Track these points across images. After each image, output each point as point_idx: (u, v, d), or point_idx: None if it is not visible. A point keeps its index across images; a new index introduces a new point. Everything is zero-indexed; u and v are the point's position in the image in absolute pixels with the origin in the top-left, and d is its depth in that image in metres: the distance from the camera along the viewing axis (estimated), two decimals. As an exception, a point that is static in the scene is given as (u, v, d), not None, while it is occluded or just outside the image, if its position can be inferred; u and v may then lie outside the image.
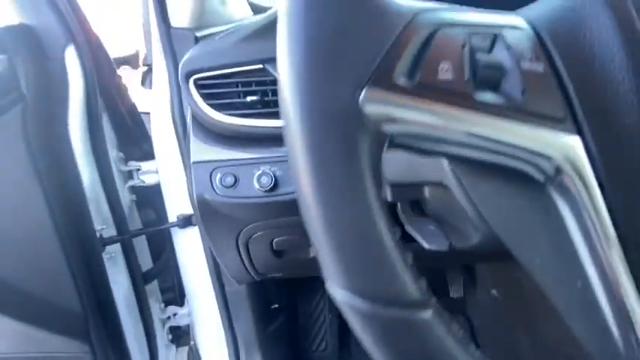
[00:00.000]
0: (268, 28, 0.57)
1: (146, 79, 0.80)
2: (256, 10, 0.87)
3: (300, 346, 1.00)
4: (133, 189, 0.85)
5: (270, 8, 0.86)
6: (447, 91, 0.20)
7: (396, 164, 0.43)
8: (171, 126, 0.70)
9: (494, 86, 0.22)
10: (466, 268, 1.00)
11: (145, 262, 0.88)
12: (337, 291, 0.20)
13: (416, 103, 0.20)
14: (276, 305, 0.89)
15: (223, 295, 0.79)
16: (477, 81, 0.21)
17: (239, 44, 0.59)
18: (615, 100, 0.22)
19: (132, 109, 0.82)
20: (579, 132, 0.22)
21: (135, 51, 1.20)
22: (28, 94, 0.60)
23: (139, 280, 0.80)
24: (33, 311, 0.64)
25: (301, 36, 0.20)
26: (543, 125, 0.22)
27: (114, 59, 0.95)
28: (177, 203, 0.78)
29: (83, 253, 0.69)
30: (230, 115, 0.57)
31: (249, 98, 0.56)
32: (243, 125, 0.57)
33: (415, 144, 0.22)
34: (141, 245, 0.87)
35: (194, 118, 0.60)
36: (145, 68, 0.81)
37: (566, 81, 0.22)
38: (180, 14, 0.68)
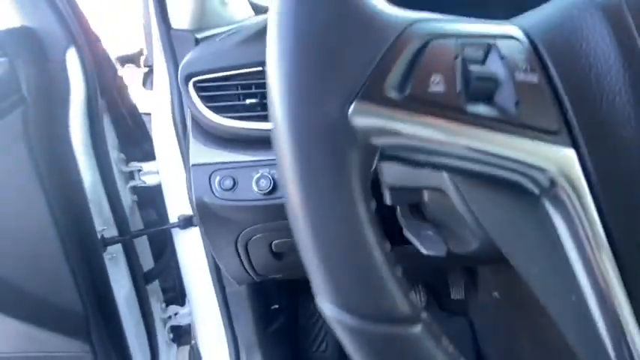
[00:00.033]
0: (268, 30, 0.56)
1: (147, 80, 0.80)
2: (258, 10, 0.86)
3: (301, 346, 1.00)
4: (135, 189, 0.85)
5: (271, 8, 0.85)
6: (438, 103, 0.20)
7: (395, 169, 0.42)
8: (172, 127, 0.70)
9: (488, 98, 0.21)
10: (467, 269, 1.00)
11: (147, 261, 0.88)
12: (326, 306, 0.20)
13: (406, 116, 0.20)
14: (277, 306, 0.90)
15: (224, 296, 0.79)
16: (470, 93, 0.21)
17: (239, 46, 0.58)
18: (612, 112, 0.21)
19: (133, 110, 0.83)
20: (574, 144, 0.22)
21: (139, 49, 1.20)
22: (29, 96, 0.60)
23: (140, 280, 0.81)
24: (34, 311, 0.64)
25: (290, 47, 0.20)
26: (537, 138, 0.21)
27: (118, 57, 0.95)
28: (178, 204, 0.78)
29: (84, 253, 0.69)
30: (229, 117, 0.57)
31: (248, 101, 0.56)
32: (243, 128, 0.56)
33: (407, 156, 0.22)
34: (142, 245, 0.88)
35: (193, 120, 0.60)
36: (146, 69, 0.81)
37: (561, 92, 0.22)
38: (181, 15, 0.68)
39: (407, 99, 0.20)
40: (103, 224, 0.75)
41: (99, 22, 0.77)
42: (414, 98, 0.20)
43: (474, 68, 0.21)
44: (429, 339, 0.20)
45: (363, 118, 0.19)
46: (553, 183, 0.22)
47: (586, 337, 0.24)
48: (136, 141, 0.82)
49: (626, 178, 0.22)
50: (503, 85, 0.21)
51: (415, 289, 1.02)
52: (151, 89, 0.75)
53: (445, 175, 0.36)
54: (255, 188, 0.55)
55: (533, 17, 0.25)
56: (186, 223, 0.78)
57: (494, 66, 0.22)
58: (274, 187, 0.55)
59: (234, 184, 0.55)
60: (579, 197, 0.22)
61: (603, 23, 0.22)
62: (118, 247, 0.78)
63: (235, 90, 0.57)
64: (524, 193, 0.24)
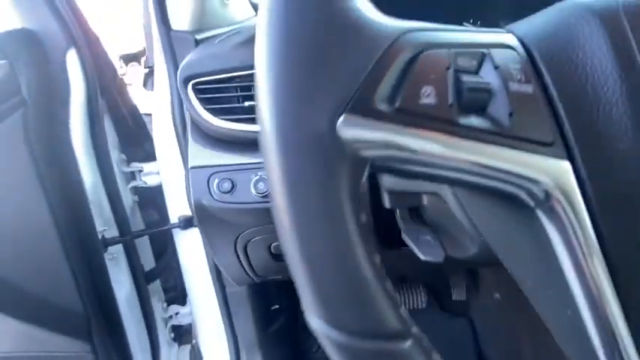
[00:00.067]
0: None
1: (148, 81, 0.80)
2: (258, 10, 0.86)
3: (301, 346, 1.00)
4: (136, 190, 0.85)
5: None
6: (429, 116, 0.20)
7: (393, 173, 0.42)
8: (172, 128, 0.70)
9: (481, 109, 0.21)
10: (469, 271, 0.99)
11: (148, 261, 0.89)
12: (314, 321, 0.19)
13: (396, 129, 0.19)
14: (277, 306, 0.90)
15: (224, 296, 0.80)
16: (462, 104, 0.20)
17: (238, 48, 0.58)
18: (608, 123, 0.21)
19: (134, 110, 0.83)
20: (569, 156, 0.21)
21: (142, 47, 1.19)
22: (30, 98, 0.60)
23: (141, 279, 0.81)
24: (35, 311, 0.65)
25: (278, 57, 0.19)
26: (531, 150, 0.21)
27: (122, 56, 0.95)
28: (178, 204, 0.78)
29: (85, 253, 0.70)
30: (228, 120, 0.56)
31: (247, 103, 0.56)
32: (242, 130, 0.56)
33: (399, 167, 0.22)
34: (144, 245, 0.88)
35: (192, 122, 0.60)
36: (147, 70, 0.81)
37: (556, 103, 0.21)
38: (181, 16, 0.68)
39: (397, 111, 0.19)
40: (104, 225, 0.75)
41: (99, 22, 0.77)
42: (404, 111, 0.19)
43: (467, 79, 0.21)
44: (420, 354, 0.20)
45: (351, 130, 0.19)
46: (548, 195, 0.22)
47: (580, 350, 0.23)
48: (137, 141, 0.82)
49: (622, 190, 0.21)
50: (496, 96, 0.21)
51: (416, 290, 1.01)
52: (152, 90, 0.75)
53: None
54: (253, 191, 0.55)
55: (530, 23, 0.24)
56: (186, 223, 0.78)
57: (488, 76, 0.21)
58: (273, 190, 0.54)
59: (233, 186, 0.55)
60: (574, 210, 0.21)
61: (600, 31, 0.21)
62: (119, 247, 0.79)
63: (234, 92, 0.56)
64: (519, 205, 0.23)
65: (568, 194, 0.21)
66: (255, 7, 0.85)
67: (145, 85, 0.81)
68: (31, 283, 0.64)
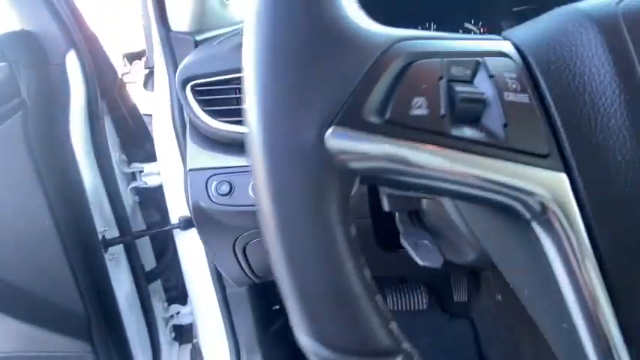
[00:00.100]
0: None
1: (148, 82, 0.80)
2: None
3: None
4: (136, 190, 0.85)
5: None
6: (420, 127, 0.19)
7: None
8: (172, 129, 0.70)
9: (474, 120, 0.20)
10: (470, 272, 0.99)
11: (149, 261, 0.89)
12: (302, 338, 0.19)
13: (385, 141, 0.19)
14: (277, 306, 0.90)
15: (224, 297, 0.80)
16: (455, 115, 0.20)
17: (237, 49, 0.58)
18: (606, 135, 0.20)
19: (134, 111, 0.83)
20: (566, 168, 0.21)
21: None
22: (30, 100, 0.60)
23: (141, 280, 0.82)
24: (36, 311, 0.65)
25: (265, 66, 0.19)
26: (526, 162, 0.20)
27: (125, 55, 0.95)
28: (179, 205, 0.78)
29: (85, 254, 0.70)
30: (227, 122, 0.56)
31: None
32: (240, 132, 0.56)
33: (390, 179, 0.21)
34: (144, 245, 0.88)
35: (191, 124, 0.60)
36: (147, 71, 0.81)
37: (553, 113, 0.21)
38: (180, 17, 0.67)
39: (387, 123, 0.19)
40: (105, 225, 0.76)
41: (99, 22, 0.77)
42: (394, 122, 0.19)
43: (460, 88, 0.20)
44: (410, 370, 0.19)
45: (340, 142, 0.19)
46: (544, 208, 0.21)
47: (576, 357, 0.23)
48: (138, 142, 0.82)
49: (620, 204, 0.21)
50: (491, 106, 0.20)
51: (418, 291, 1.01)
52: (152, 90, 0.75)
53: None
54: (251, 193, 0.55)
55: (527, 29, 0.24)
56: (186, 224, 0.78)
57: (482, 85, 0.21)
58: (271, 193, 0.54)
59: (231, 189, 0.55)
60: (570, 223, 0.21)
61: (598, 39, 0.21)
62: (120, 247, 0.79)
63: (233, 94, 0.56)
64: (515, 216, 0.23)
65: (564, 207, 0.21)
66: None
67: (145, 85, 0.81)
68: (32, 284, 0.64)
